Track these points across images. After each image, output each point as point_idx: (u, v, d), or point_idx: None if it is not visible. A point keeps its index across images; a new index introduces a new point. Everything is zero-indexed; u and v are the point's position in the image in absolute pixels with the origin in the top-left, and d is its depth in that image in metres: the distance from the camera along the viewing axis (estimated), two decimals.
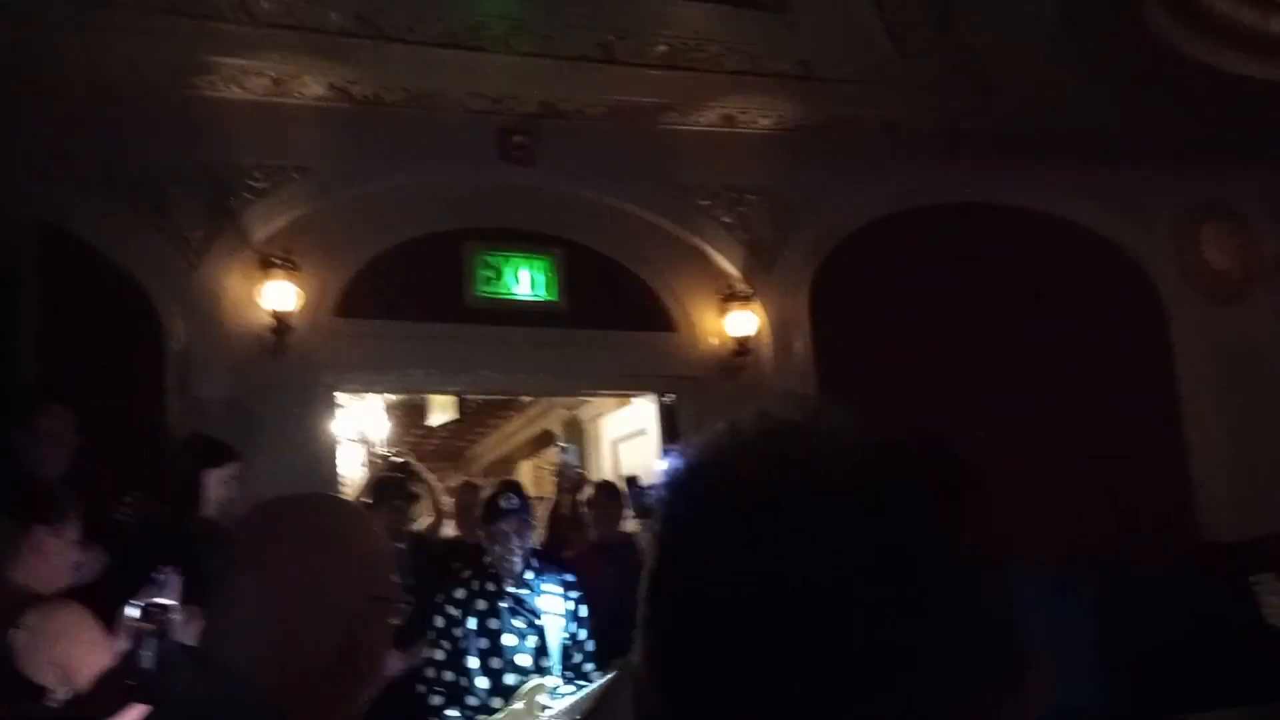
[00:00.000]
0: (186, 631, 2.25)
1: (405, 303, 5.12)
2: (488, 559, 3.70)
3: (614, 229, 5.46)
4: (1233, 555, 4.55)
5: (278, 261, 4.84)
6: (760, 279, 5.58)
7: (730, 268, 5.57)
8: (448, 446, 10.23)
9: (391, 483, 4.83)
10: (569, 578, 3.78)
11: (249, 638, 1.15)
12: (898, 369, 5.45)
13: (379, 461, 6.77)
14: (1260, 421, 6.09)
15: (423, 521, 5.23)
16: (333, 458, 5.10)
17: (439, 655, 3.59)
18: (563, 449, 5.06)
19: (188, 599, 2.37)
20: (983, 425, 5.41)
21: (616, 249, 5.48)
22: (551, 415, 8.59)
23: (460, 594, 3.68)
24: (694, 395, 5.44)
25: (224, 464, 3.64)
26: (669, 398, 5.58)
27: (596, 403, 6.91)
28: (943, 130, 5.60)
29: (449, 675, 3.57)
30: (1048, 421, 5.50)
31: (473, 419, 8.75)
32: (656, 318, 5.52)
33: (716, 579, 0.53)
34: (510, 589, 3.64)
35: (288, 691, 1.12)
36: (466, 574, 3.75)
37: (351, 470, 5.98)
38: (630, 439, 5.52)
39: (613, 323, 5.42)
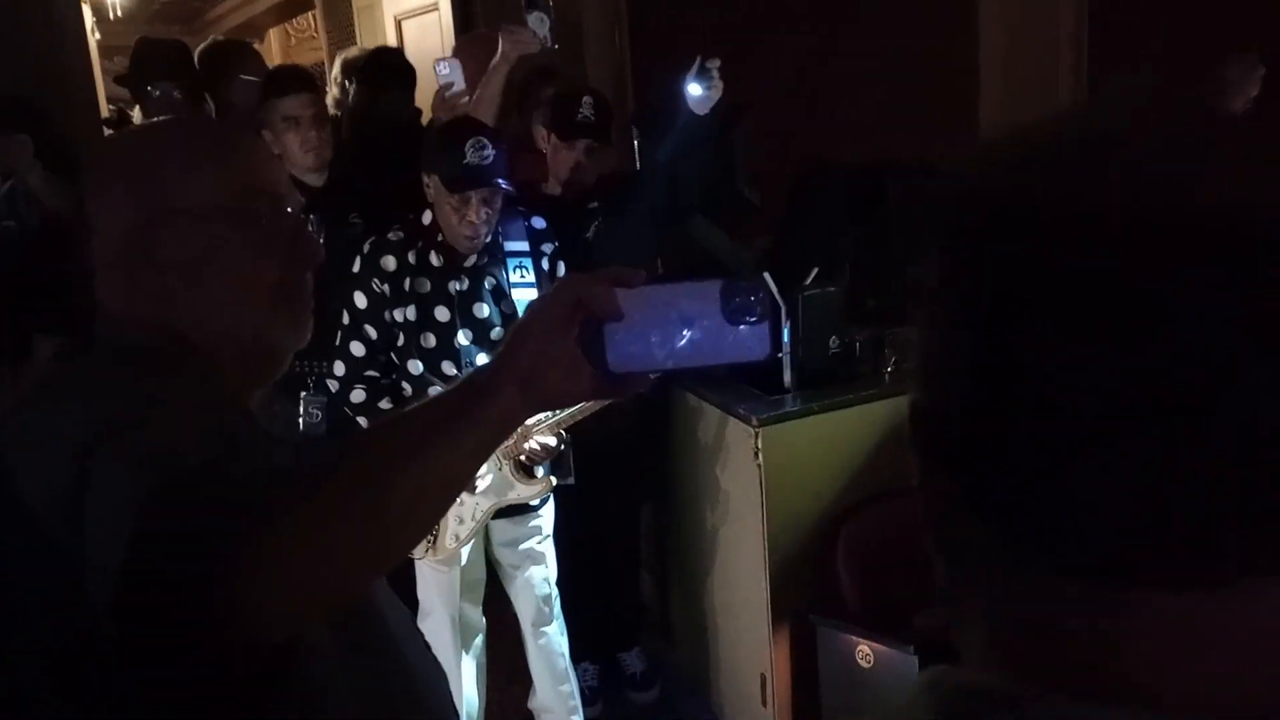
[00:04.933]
0: None
1: None
2: (427, 219, 2.70)
3: None
4: None
5: None
6: None
7: None
8: (180, 7, 9.14)
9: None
10: (539, 222, 2.83)
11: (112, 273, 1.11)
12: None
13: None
14: (1042, 30, 6.29)
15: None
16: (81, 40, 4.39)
17: (357, 349, 2.70)
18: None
19: None
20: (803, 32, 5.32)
21: None
22: None
23: (390, 264, 2.69)
24: None
25: None
26: None
27: None
28: None
29: (372, 373, 2.72)
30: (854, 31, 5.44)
31: None
32: None
33: (1075, 329, 0.47)
34: (466, 264, 2.72)
35: (173, 326, 1.09)
36: (398, 234, 2.73)
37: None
38: (417, 15, 5.03)
39: None
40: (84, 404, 1.01)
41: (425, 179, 2.66)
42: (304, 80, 3.34)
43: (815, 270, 3.19)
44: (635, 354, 0.96)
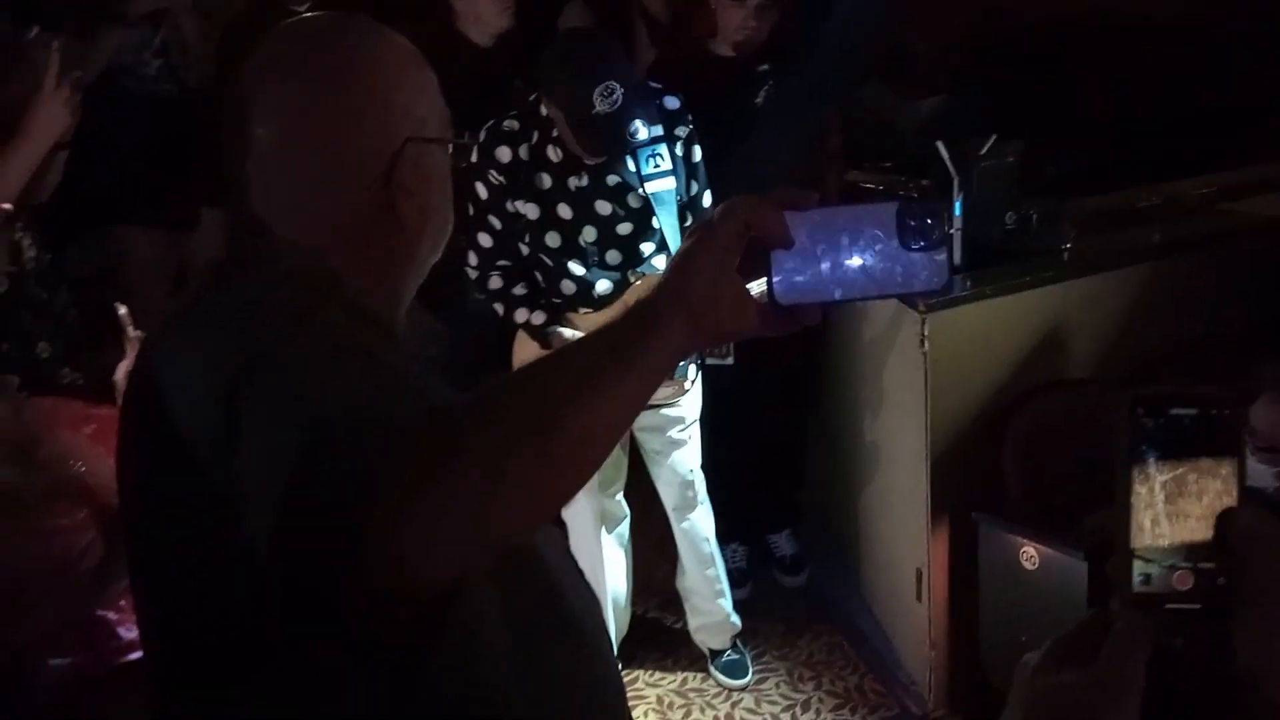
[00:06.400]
0: None
1: None
2: (545, 109, 2.48)
3: None
4: None
5: None
6: None
7: None
8: None
9: None
10: (672, 102, 2.60)
11: (281, 193, 1.07)
12: None
13: None
14: None
15: None
16: None
17: (484, 240, 2.63)
18: None
19: None
20: None
21: None
22: None
23: (505, 155, 2.56)
24: None
25: None
26: None
27: None
28: None
29: (504, 261, 2.62)
30: None
31: None
32: None
33: None
34: (589, 160, 2.52)
35: (332, 251, 1.06)
36: (513, 124, 2.56)
37: None
38: None
39: None
40: (238, 331, 0.97)
41: (544, 101, 2.48)
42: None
43: (993, 137, 2.97)
44: (804, 284, 0.90)
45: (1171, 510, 0.62)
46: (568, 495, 0.91)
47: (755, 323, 0.91)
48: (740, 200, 0.91)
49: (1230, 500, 0.62)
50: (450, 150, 1.14)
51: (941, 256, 0.90)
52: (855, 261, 0.90)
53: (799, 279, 0.90)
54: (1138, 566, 0.62)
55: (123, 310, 2.19)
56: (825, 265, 0.90)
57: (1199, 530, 0.62)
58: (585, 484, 0.90)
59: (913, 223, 0.89)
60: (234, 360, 0.91)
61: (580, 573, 1.23)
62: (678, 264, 0.90)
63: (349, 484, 0.81)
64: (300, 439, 0.84)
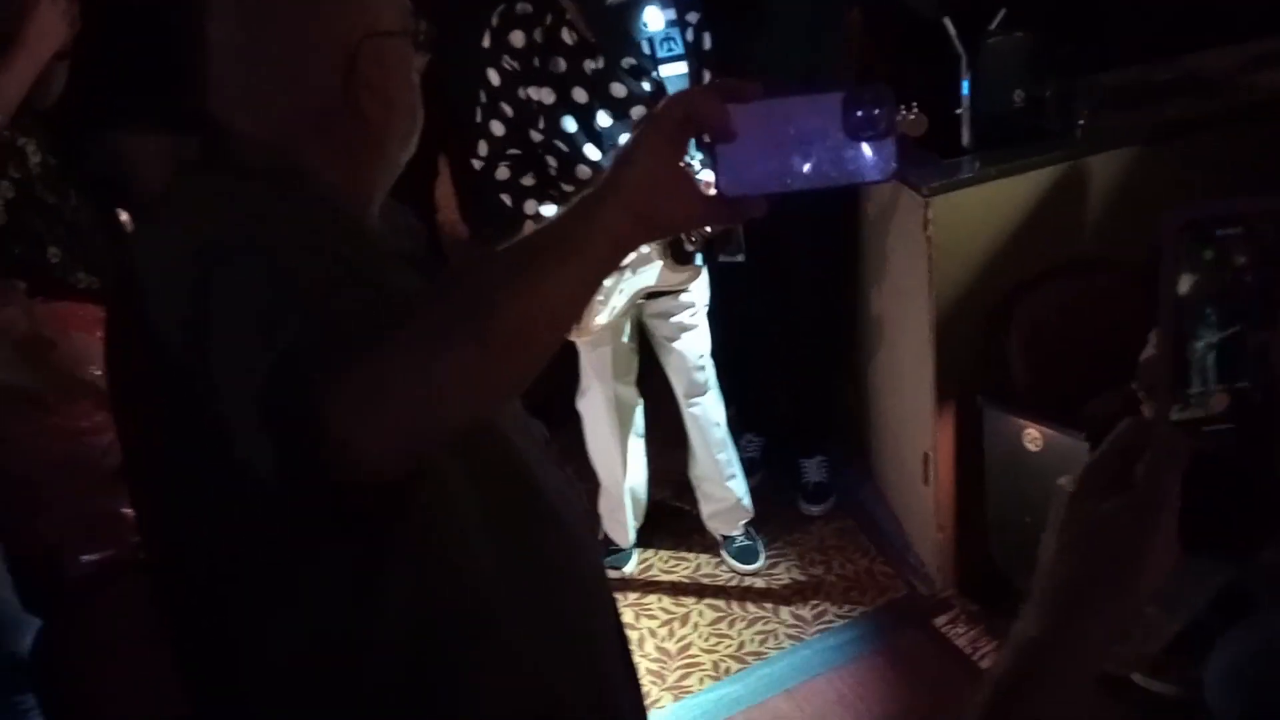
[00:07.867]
0: None
1: None
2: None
3: None
4: None
5: None
6: None
7: None
8: None
9: None
10: None
11: (239, 91, 1.09)
12: None
13: None
14: None
15: None
16: None
17: (496, 129, 2.65)
18: None
19: None
20: None
21: None
22: None
23: (518, 40, 2.59)
24: None
25: None
26: None
27: None
28: None
29: (514, 150, 2.67)
30: None
31: None
32: None
33: None
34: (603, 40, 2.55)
35: (294, 148, 1.09)
36: (526, 6, 2.56)
37: None
38: None
39: None
40: (202, 225, 1.01)
41: None
42: None
43: (1002, 11, 2.92)
44: (749, 175, 0.92)
45: (1212, 332, 0.63)
46: (510, 383, 0.94)
47: (700, 213, 0.94)
48: (683, 92, 0.94)
49: (1269, 320, 0.63)
50: (412, 42, 1.15)
51: (889, 144, 0.91)
52: (801, 152, 0.91)
53: (744, 170, 0.92)
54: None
55: (125, 216, 2.26)
56: (771, 156, 0.91)
57: (1237, 351, 0.63)
58: (532, 372, 0.92)
59: (859, 112, 0.90)
60: (198, 258, 0.96)
61: (560, 462, 1.29)
62: (621, 156, 0.92)
63: (298, 374, 0.86)
64: (259, 333, 0.89)
